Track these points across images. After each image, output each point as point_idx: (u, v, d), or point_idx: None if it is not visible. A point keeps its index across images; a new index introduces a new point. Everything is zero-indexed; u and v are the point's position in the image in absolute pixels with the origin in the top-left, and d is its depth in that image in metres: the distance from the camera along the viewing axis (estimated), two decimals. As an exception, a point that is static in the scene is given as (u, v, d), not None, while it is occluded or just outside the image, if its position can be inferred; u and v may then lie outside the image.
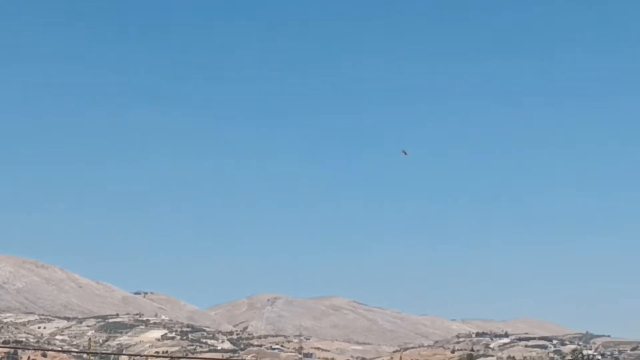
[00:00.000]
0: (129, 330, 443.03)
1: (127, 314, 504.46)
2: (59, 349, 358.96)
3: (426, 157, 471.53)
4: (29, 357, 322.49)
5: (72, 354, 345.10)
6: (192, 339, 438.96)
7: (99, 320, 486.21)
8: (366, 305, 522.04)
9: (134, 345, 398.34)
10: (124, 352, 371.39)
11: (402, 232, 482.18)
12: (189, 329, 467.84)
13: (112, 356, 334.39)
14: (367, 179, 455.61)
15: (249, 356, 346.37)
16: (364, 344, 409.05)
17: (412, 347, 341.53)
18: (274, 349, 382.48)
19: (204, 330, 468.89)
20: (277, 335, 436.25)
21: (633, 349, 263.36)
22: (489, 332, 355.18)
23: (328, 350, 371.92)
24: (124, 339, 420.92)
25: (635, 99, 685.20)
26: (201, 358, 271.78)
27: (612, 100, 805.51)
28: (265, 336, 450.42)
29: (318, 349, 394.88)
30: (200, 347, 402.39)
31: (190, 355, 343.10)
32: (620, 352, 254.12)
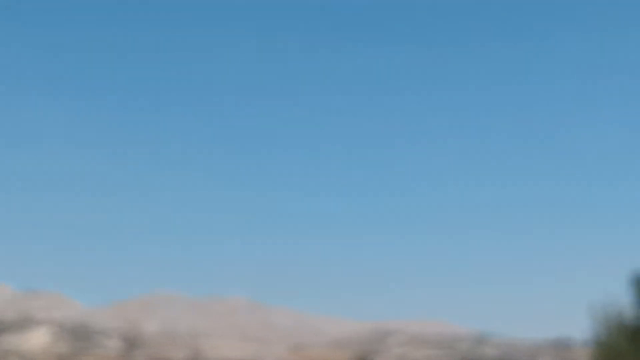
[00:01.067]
0: (15, 330, 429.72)
1: (12, 313, 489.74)
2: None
3: (304, 154, 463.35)
4: None
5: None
6: (82, 338, 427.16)
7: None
8: (262, 303, 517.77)
9: (21, 346, 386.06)
10: (9, 355, 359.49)
11: (294, 228, 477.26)
12: (79, 329, 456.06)
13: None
14: (250, 175, 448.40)
15: (140, 356, 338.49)
16: (260, 343, 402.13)
17: (310, 347, 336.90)
18: (167, 349, 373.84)
19: (95, 330, 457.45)
20: (170, 336, 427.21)
21: (529, 350, 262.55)
22: (386, 332, 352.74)
23: (223, 351, 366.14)
24: (9, 339, 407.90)
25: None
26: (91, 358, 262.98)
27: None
28: (159, 336, 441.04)
29: (213, 349, 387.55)
30: (91, 347, 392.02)
31: (80, 355, 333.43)
32: (515, 352, 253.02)
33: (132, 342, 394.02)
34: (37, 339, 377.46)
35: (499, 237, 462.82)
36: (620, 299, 16.80)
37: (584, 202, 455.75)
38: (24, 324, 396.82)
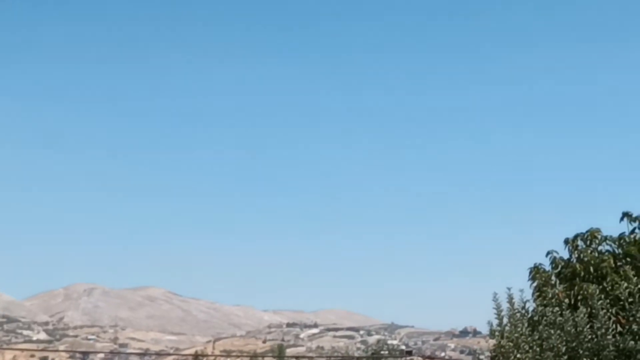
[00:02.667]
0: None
1: None
2: None
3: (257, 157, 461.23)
4: None
5: None
6: (7, 329, 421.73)
7: None
8: (181, 295, 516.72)
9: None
10: None
11: (214, 222, 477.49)
12: (4, 320, 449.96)
13: None
14: (181, 171, 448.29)
15: (63, 346, 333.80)
16: (179, 334, 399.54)
17: (225, 338, 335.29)
18: (89, 339, 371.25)
19: (19, 321, 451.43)
20: (92, 326, 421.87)
21: (435, 339, 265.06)
22: (299, 323, 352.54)
23: (143, 341, 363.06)
24: None
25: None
26: (14, 349, 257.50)
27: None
28: (81, 326, 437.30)
29: (133, 339, 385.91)
30: (16, 337, 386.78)
31: (5, 346, 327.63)
32: (423, 342, 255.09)
33: (55, 332, 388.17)
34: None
35: (408, 232, 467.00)
36: (521, 290, 16.81)
37: (488, 198, 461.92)
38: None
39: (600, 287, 16.25)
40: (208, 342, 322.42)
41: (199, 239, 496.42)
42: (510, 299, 16.10)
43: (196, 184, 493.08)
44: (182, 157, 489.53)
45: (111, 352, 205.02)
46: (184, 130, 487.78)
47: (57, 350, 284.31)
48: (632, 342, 14.76)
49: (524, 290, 16.90)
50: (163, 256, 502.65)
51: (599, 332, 14.93)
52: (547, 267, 18.21)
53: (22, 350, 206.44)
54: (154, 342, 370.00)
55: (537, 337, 15.38)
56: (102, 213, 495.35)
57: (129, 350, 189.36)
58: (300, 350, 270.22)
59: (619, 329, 15.28)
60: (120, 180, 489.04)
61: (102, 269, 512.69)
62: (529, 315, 16.87)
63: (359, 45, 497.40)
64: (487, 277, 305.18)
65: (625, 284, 15.79)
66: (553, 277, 18.02)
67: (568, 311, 15.47)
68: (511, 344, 15.28)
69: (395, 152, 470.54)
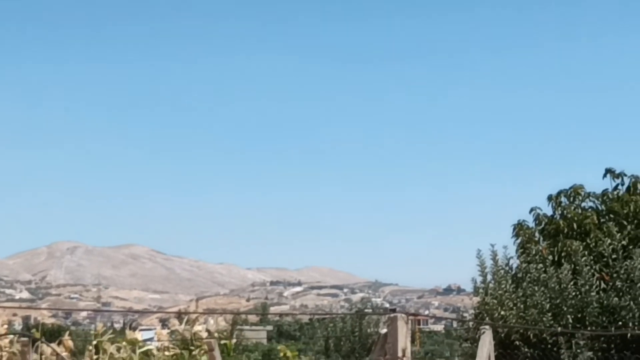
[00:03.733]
0: None
1: None
2: None
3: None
4: None
5: None
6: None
7: None
8: (164, 254, 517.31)
9: None
10: None
11: (198, 180, 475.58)
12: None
13: None
14: (154, 130, 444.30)
15: (46, 305, 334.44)
16: (162, 292, 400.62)
17: (209, 296, 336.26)
18: (72, 298, 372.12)
19: (2, 280, 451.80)
20: (75, 285, 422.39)
21: (419, 297, 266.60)
22: (282, 281, 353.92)
23: (126, 299, 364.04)
24: None
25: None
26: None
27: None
28: (64, 285, 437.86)
29: (116, 297, 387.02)
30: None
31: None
32: (407, 300, 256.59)
33: (38, 290, 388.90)
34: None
35: (392, 190, 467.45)
36: (505, 247, 16.78)
37: (471, 156, 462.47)
38: None
39: (584, 243, 16.26)
40: (191, 300, 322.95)
41: (182, 197, 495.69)
42: (494, 256, 16.10)
43: (178, 141, 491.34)
44: (163, 113, 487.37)
45: (94, 311, 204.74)
46: (163, 85, 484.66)
47: (39, 309, 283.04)
48: (616, 299, 14.80)
49: (507, 247, 16.91)
50: (146, 214, 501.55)
51: (582, 289, 14.95)
52: (531, 224, 18.20)
53: (4, 308, 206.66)
54: (137, 300, 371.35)
55: (521, 294, 15.40)
56: (85, 170, 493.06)
57: (112, 309, 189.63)
58: (284, 308, 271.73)
59: (603, 285, 15.30)
60: (102, 137, 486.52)
61: (86, 227, 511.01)
62: (513, 272, 16.89)
63: None
64: (471, 234, 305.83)
65: (609, 241, 15.80)
66: (537, 234, 18.01)
67: (552, 268, 15.48)
68: (495, 301, 15.31)
69: (376, 105, 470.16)
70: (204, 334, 14.73)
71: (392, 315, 8.34)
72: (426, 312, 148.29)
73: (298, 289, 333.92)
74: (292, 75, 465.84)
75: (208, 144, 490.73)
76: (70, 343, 15.05)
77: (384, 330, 8.45)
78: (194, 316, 16.12)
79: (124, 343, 14.42)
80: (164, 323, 78.18)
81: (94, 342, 14.42)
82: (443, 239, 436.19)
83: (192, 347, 14.46)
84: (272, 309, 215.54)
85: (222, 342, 15.18)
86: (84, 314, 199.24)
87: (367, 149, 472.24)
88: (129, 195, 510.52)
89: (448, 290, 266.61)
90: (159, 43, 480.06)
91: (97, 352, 14.24)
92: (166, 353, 14.55)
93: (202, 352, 14.15)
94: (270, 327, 68.47)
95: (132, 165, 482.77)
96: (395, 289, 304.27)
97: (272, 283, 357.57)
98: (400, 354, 8.07)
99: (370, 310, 39.33)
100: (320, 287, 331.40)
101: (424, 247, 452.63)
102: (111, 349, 14.14)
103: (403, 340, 8.10)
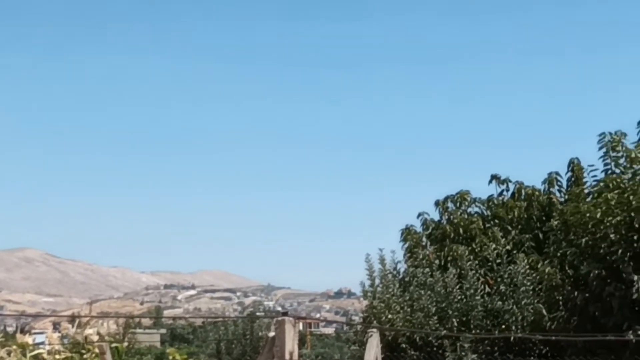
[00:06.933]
0: None
1: None
2: None
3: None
4: None
5: None
6: None
7: None
8: (58, 257, 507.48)
9: None
10: None
11: (90, 182, 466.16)
12: None
13: None
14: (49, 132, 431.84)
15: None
16: (56, 296, 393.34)
17: (103, 299, 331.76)
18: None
19: None
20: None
21: (311, 301, 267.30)
22: (176, 284, 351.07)
23: (20, 303, 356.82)
24: None
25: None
26: None
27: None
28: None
29: (9, 301, 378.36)
30: None
31: None
32: (299, 303, 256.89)
33: None
34: None
35: (284, 193, 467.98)
36: (393, 252, 16.89)
37: (362, 160, 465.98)
38: None
39: (470, 248, 16.48)
40: (85, 303, 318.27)
41: (75, 199, 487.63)
42: (382, 260, 16.20)
43: (71, 143, 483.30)
44: (56, 114, 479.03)
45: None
46: (57, 86, 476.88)
47: None
48: (500, 303, 15.02)
49: (395, 252, 17.06)
50: (40, 217, 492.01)
51: (467, 293, 15.14)
52: (419, 229, 18.37)
53: None
54: (31, 304, 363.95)
55: (408, 297, 15.53)
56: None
57: (4, 312, 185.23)
58: (178, 311, 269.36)
59: (487, 289, 15.52)
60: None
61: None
62: (401, 276, 17.03)
63: None
64: (363, 238, 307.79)
65: (494, 245, 16.06)
66: (424, 239, 18.19)
67: (438, 272, 15.64)
68: (383, 304, 15.39)
69: (266, 106, 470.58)
70: (95, 338, 14.52)
71: (279, 318, 8.33)
72: (317, 316, 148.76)
73: (192, 292, 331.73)
74: (163, 77, 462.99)
75: (99, 147, 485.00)
76: (-40, 347, 14.68)
77: (272, 334, 8.43)
78: (85, 319, 15.88)
79: (14, 347, 14.13)
80: (56, 327, 76.86)
81: (-16, 346, 14.10)
82: (335, 243, 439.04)
83: (84, 351, 14.24)
84: (166, 313, 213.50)
85: (114, 345, 14.97)
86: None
87: (259, 152, 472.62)
88: (22, 198, 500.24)
89: (339, 294, 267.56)
90: (45, 42, 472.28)
91: (-13, 356, 13.92)
92: (57, 357, 14.30)
93: (94, 355, 13.95)
94: (163, 331, 67.69)
95: (25, 167, 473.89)
96: (288, 293, 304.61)
97: (166, 286, 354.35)
98: (287, 356, 8.05)
99: (262, 314, 39.25)
100: (213, 291, 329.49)
101: (316, 251, 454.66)
102: (1, 352, 13.83)
103: (290, 343, 8.09)
